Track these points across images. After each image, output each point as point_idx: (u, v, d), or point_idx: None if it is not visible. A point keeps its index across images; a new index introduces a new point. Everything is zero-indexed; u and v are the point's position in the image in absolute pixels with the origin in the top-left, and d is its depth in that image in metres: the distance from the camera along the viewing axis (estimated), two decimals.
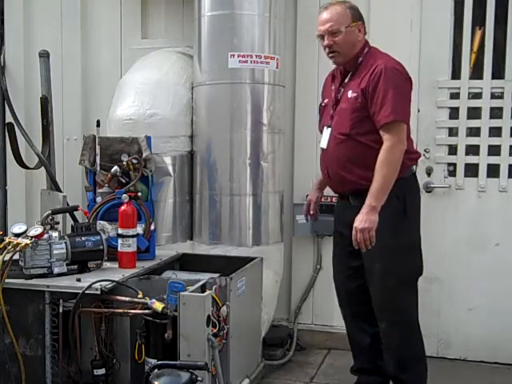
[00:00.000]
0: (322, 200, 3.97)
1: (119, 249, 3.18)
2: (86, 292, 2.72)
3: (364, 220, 2.84)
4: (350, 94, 3.00)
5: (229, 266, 3.18)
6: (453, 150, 3.96)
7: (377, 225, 2.85)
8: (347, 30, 2.98)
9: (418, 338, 3.09)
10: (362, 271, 3.10)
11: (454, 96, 3.93)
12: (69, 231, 3.45)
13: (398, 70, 2.94)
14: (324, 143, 3.10)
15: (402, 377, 3.07)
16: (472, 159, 3.93)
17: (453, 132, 3.97)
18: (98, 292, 2.72)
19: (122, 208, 3.19)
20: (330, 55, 3.06)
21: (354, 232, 2.87)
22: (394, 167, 2.87)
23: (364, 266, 3.06)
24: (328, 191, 3.35)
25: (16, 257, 2.86)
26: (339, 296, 3.32)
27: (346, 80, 3.06)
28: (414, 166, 3.11)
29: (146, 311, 2.69)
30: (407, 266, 3.02)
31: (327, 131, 3.09)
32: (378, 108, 2.89)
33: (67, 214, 3.65)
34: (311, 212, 3.38)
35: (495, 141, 3.88)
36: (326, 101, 3.21)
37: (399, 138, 2.89)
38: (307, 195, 3.45)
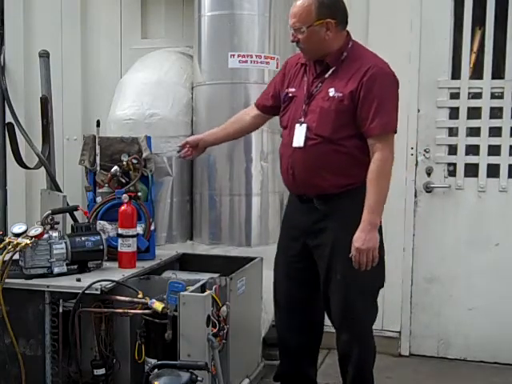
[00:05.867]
0: None
1: (119, 249, 3.18)
2: (86, 292, 2.72)
3: (367, 239, 2.65)
4: (332, 92, 2.73)
5: (229, 266, 3.17)
6: (453, 150, 3.96)
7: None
8: (309, 29, 2.71)
9: (373, 350, 2.96)
10: (309, 280, 2.94)
11: (454, 96, 3.92)
12: (69, 231, 3.45)
13: (392, 75, 2.75)
14: (300, 142, 2.78)
15: None
16: (472, 159, 3.93)
17: (453, 132, 3.96)
18: (98, 292, 2.71)
19: (122, 208, 3.18)
20: (299, 50, 2.85)
21: (355, 253, 2.67)
22: (388, 179, 2.71)
23: (319, 275, 2.87)
24: None
25: (16, 257, 2.86)
26: (280, 305, 3.08)
27: (327, 75, 2.78)
28: None
29: (146, 311, 2.69)
30: (370, 277, 2.76)
31: (301, 128, 2.79)
32: (371, 115, 2.67)
33: (67, 214, 3.65)
34: (185, 149, 3.17)
35: (495, 141, 3.88)
36: (292, 90, 2.89)
37: (391, 149, 2.74)
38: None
